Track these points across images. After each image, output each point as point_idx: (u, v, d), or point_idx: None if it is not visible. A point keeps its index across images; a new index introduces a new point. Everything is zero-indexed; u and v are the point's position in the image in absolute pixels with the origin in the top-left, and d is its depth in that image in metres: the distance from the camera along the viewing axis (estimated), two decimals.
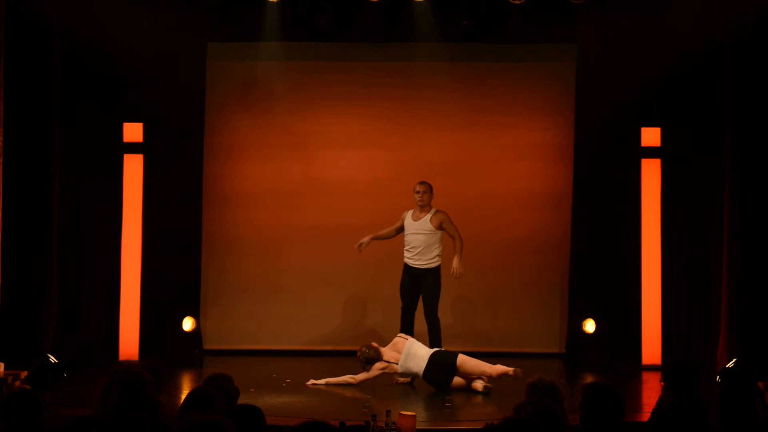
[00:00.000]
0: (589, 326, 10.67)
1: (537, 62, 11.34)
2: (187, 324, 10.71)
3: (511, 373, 8.69)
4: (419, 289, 9.82)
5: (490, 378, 8.80)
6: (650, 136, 10.76)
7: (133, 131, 10.75)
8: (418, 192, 9.80)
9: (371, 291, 11.22)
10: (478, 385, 8.78)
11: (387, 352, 9.11)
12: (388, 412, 6.20)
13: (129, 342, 10.59)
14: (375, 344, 9.15)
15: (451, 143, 11.34)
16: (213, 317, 11.18)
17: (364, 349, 9.10)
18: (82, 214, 10.47)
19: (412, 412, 6.28)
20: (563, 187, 11.12)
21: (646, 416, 7.19)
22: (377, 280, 11.01)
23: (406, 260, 9.86)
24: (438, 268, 9.76)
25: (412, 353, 8.97)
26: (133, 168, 10.75)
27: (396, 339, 9.24)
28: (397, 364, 9.01)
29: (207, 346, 11.00)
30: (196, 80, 10.80)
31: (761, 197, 9.62)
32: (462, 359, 8.85)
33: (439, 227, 9.76)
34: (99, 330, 10.52)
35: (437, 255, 9.77)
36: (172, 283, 10.67)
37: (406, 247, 9.84)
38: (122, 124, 10.71)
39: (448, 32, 10.86)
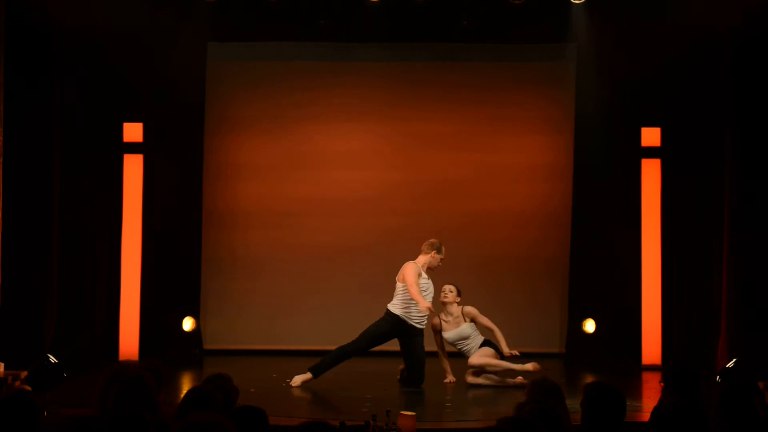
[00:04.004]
0: (589, 326, 10.68)
1: (537, 62, 11.33)
2: (187, 324, 10.71)
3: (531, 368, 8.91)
4: (400, 345, 8.99)
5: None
6: (650, 136, 10.76)
7: (133, 131, 10.76)
8: None
9: (373, 290, 11.19)
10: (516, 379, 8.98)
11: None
12: (388, 412, 6.19)
13: (129, 342, 10.60)
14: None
15: (449, 141, 11.34)
16: (213, 317, 11.17)
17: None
18: (82, 214, 10.47)
19: (412, 412, 6.27)
20: (564, 172, 11.14)
21: (646, 416, 7.17)
22: (378, 279, 10.98)
23: (414, 323, 8.93)
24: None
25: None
26: (133, 168, 10.76)
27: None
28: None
29: (207, 346, 11.01)
30: (196, 80, 10.83)
31: (761, 196, 9.61)
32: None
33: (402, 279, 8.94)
34: (99, 330, 10.52)
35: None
36: (172, 283, 10.69)
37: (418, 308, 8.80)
38: (122, 124, 10.73)
39: (448, 32, 10.86)
